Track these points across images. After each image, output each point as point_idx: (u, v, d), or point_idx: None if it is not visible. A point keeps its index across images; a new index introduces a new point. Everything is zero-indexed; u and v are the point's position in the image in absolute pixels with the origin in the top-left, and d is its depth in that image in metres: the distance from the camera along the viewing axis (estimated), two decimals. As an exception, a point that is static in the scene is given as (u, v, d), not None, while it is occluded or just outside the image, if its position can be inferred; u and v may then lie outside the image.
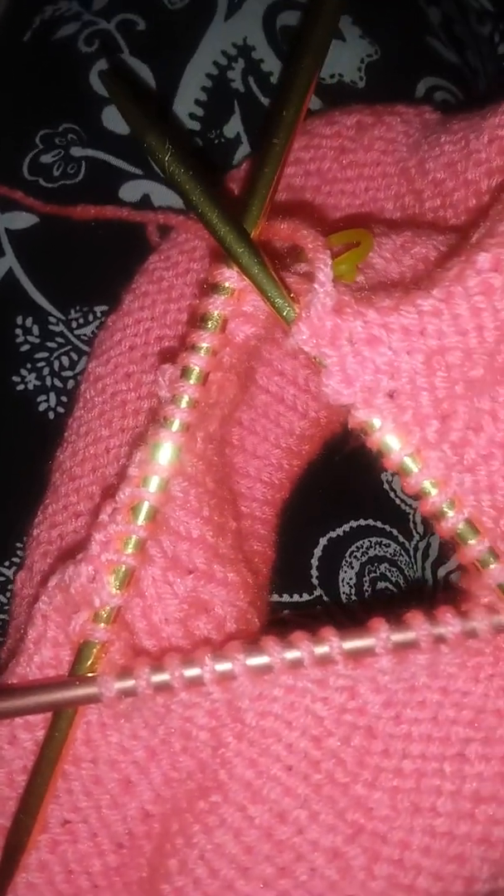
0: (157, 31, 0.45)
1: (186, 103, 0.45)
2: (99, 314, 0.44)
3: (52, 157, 0.45)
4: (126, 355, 0.39)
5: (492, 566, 0.27)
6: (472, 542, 0.27)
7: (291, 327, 0.26)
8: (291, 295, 0.27)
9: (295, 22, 0.46)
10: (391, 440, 0.26)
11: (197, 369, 0.29)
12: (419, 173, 0.39)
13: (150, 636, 0.31)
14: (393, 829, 0.28)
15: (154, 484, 0.29)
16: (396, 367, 0.26)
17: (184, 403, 0.29)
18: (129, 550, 0.28)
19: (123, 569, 0.28)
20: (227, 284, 0.29)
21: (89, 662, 0.28)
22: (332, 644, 0.27)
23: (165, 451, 0.29)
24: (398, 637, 0.27)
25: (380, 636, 0.27)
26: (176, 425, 0.29)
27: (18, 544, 0.41)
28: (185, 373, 0.29)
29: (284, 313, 0.27)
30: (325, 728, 0.29)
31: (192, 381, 0.29)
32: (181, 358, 0.29)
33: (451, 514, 0.27)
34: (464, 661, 0.28)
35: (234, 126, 0.45)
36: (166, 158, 0.28)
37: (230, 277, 0.29)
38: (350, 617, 0.43)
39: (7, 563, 0.42)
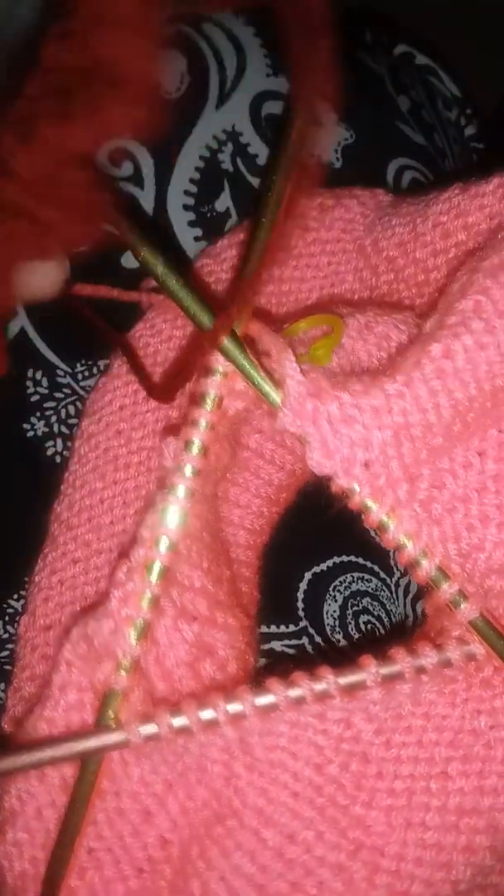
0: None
1: (182, 181, 0.48)
2: (102, 367, 0.46)
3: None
4: (116, 414, 0.42)
5: (462, 606, 0.29)
6: (444, 586, 0.29)
7: (278, 411, 0.29)
8: (275, 382, 0.30)
9: (278, 110, 0.49)
10: (370, 503, 0.29)
11: (198, 441, 0.31)
12: (374, 251, 0.43)
13: (163, 679, 0.33)
14: (389, 844, 0.30)
15: (164, 545, 0.31)
16: (369, 441, 0.28)
17: (188, 472, 0.31)
18: (145, 605, 0.30)
19: (140, 621, 0.30)
20: (220, 368, 0.31)
21: (113, 709, 0.30)
22: (329, 681, 0.29)
23: (173, 515, 0.31)
24: (385, 670, 0.29)
25: (370, 671, 0.29)
26: (181, 491, 0.31)
27: (26, 578, 0.42)
28: (187, 445, 0.31)
29: (270, 399, 0.29)
30: (326, 756, 0.31)
31: (193, 453, 0.31)
32: (183, 432, 0.31)
33: (424, 562, 0.29)
34: (441, 689, 0.30)
35: (224, 201, 0.49)
36: (159, 272, 0.30)
37: (224, 363, 0.31)
38: (336, 651, 0.45)
39: (16, 597, 0.44)
